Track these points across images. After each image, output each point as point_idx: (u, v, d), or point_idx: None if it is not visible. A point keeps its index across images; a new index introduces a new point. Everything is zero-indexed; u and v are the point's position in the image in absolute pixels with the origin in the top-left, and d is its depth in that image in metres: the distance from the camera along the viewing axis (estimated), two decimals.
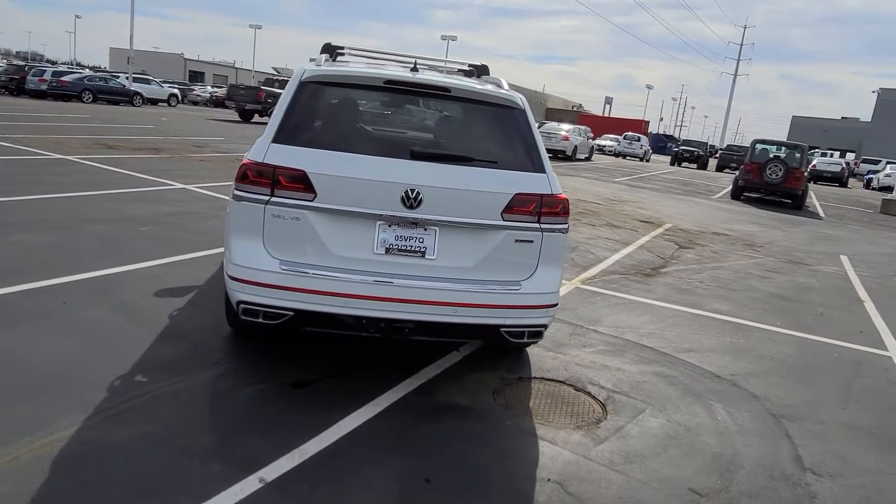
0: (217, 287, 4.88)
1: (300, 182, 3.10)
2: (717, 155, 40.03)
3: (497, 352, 4.21)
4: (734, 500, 2.82)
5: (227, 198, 8.34)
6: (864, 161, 44.78)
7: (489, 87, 3.63)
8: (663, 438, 3.33)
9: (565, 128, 29.83)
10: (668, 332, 5.14)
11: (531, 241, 3.33)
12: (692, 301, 6.17)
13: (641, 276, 6.98)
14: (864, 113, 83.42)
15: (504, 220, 3.26)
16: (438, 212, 3.17)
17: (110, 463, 2.62)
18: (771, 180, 17.40)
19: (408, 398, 3.46)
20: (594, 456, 3.08)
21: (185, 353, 3.69)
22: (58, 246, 5.46)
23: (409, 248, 3.21)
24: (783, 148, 18.38)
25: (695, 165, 37.24)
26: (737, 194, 18.43)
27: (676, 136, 69.33)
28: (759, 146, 18.58)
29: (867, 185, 37.76)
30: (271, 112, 5.30)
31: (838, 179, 34.20)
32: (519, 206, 3.26)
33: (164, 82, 41.96)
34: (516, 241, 3.30)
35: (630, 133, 41.94)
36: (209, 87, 51.21)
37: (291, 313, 3.15)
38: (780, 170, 17.26)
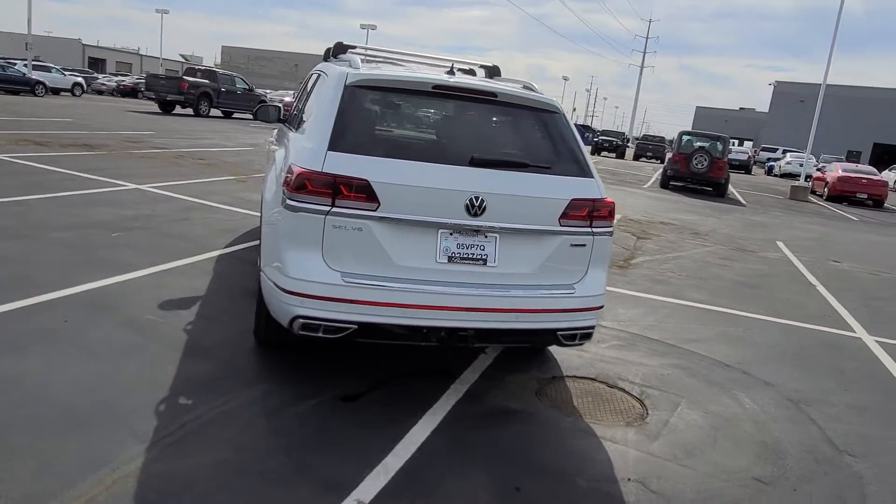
0: (222, 297, 4.66)
1: (363, 191, 3.01)
2: (633, 144, 41.75)
3: (523, 351, 4.26)
4: (796, 486, 3.01)
5: (189, 198, 8.02)
6: (764, 149, 48.07)
7: (525, 90, 3.64)
8: (709, 430, 3.49)
9: None
10: (665, 323, 5.36)
11: (584, 245, 3.38)
12: (672, 291, 6.45)
13: (618, 269, 7.23)
14: (758, 103, 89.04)
15: (561, 226, 3.29)
16: (500, 219, 3.16)
17: (193, 496, 2.46)
18: (697, 170, 18.38)
19: (461, 405, 3.44)
20: (656, 452, 3.19)
21: (218, 372, 3.51)
22: (27, 257, 5.01)
23: (470, 255, 3.18)
24: (707, 139, 19.42)
25: (614, 155, 38.71)
26: (665, 183, 19.35)
27: (591, 126, 71.73)
28: (685, 137, 19.54)
29: (768, 172, 40.56)
30: (260, 111, 5.18)
31: (745, 167, 36.53)
32: (574, 211, 3.31)
33: (66, 70, 39.10)
34: (571, 245, 3.35)
35: None
36: (117, 76, 48.15)
37: (355, 326, 3.06)
38: (706, 160, 18.26)
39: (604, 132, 45.44)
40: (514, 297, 3.20)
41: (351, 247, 3.06)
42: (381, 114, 3.35)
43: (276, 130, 5.69)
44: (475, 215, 3.12)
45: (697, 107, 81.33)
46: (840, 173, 22.01)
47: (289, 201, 3.06)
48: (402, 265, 3.11)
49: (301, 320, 3.06)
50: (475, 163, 3.19)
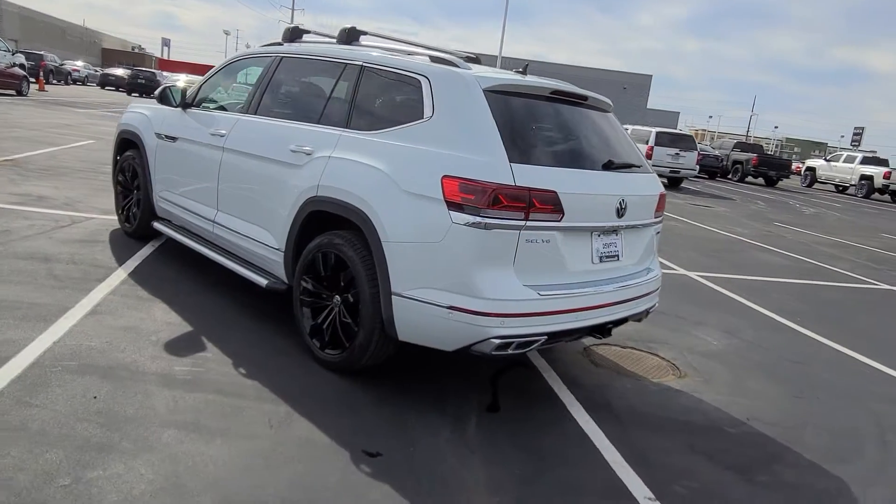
0: (221, 326, 3.85)
1: (552, 203, 2.99)
2: None
3: None
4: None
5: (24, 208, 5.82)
6: None
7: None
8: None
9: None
10: None
11: (658, 233, 3.90)
12: None
13: None
14: None
15: (655, 218, 3.75)
16: (632, 218, 3.46)
17: None
18: None
19: (560, 387, 3.69)
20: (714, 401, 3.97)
21: (359, 423, 3.08)
22: None
23: (610, 254, 3.42)
24: None
25: None
26: None
27: None
28: None
29: None
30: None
31: None
32: (661, 203, 3.79)
33: None
34: (655, 233, 3.84)
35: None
36: None
37: (545, 337, 3.07)
38: None
39: None
40: (637, 285, 3.57)
41: (538, 260, 3.04)
42: (523, 121, 3.25)
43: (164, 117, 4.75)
44: (621, 217, 3.37)
45: None
46: None
47: (481, 217, 2.86)
48: (572, 270, 3.20)
49: (497, 341, 2.94)
50: (612, 167, 3.41)
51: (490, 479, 2.70)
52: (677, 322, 5.23)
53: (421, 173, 3.08)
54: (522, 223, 2.93)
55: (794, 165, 33.55)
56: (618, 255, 3.48)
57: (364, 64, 3.67)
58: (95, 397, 2.86)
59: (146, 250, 5.17)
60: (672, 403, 3.71)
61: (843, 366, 4.80)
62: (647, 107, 65.81)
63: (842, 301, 7.09)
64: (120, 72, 39.31)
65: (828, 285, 7.76)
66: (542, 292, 3.02)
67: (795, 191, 27.94)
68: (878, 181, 26.90)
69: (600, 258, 3.36)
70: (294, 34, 4.41)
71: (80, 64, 43.72)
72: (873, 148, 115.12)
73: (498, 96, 3.17)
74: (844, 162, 29.57)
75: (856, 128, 63.75)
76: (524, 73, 3.66)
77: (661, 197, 3.79)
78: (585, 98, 3.58)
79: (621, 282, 3.48)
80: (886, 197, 27.53)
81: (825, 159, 32.56)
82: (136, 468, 2.41)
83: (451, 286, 2.95)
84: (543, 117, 3.36)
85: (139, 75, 36.18)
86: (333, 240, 3.41)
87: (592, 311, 3.27)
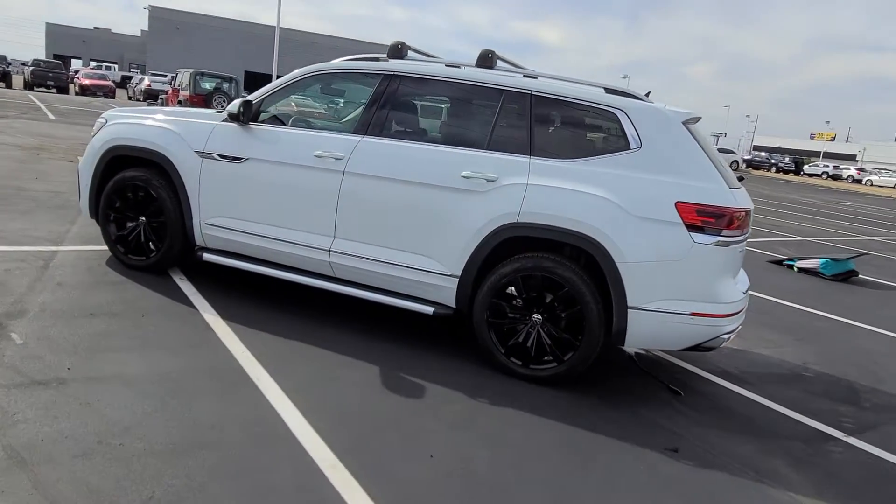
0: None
1: (748, 220, 3.65)
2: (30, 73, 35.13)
3: None
4: None
5: None
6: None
7: None
8: None
9: None
10: None
11: None
12: None
13: None
14: (119, 25, 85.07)
15: None
16: None
17: None
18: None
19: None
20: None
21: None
22: None
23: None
24: (221, 80, 19.26)
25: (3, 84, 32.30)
26: None
27: None
28: (199, 78, 18.82)
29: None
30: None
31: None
32: None
33: None
34: None
35: None
36: None
37: (739, 327, 3.75)
38: (226, 101, 18.37)
39: None
40: None
41: (737, 267, 3.69)
42: (707, 147, 3.73)
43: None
44: None
45: (48, 23, 71.91)
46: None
47: (721, 237, 3.41)
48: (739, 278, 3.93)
49: (725, 336, 3.56)
50: (741, 182, 4.16)
51: None
52: None
53: (651, 200, 3.47)
54: (743, 238, 3.56)
55: None
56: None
57: (533, 92, 3.82)
58: None
59: (183, 284, 4.51)
60: None
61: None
62: None
63: None
64: None
65: None
66: (742, 292, 3.70)
67: None
68: None
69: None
70: (399, 52, 4.25)
71: None
72: None
73: (688, 127, 3.69)
74: None
75: None
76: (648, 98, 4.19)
77: None
78: (699, 118, 4.24)
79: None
80: None
81: None
82: None
83: (693, 296, 3.46)
84: (703, 142, 3.94)
85: None
86: (541, 263, 3.61)
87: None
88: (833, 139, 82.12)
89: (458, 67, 4.05)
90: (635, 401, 3.72)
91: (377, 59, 4.28)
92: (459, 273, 3.77)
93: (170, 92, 20.16)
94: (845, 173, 52.05)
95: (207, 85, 18.47)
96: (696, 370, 4.34)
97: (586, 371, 3.74)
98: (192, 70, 18.24)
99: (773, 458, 3.26)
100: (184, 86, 18.37)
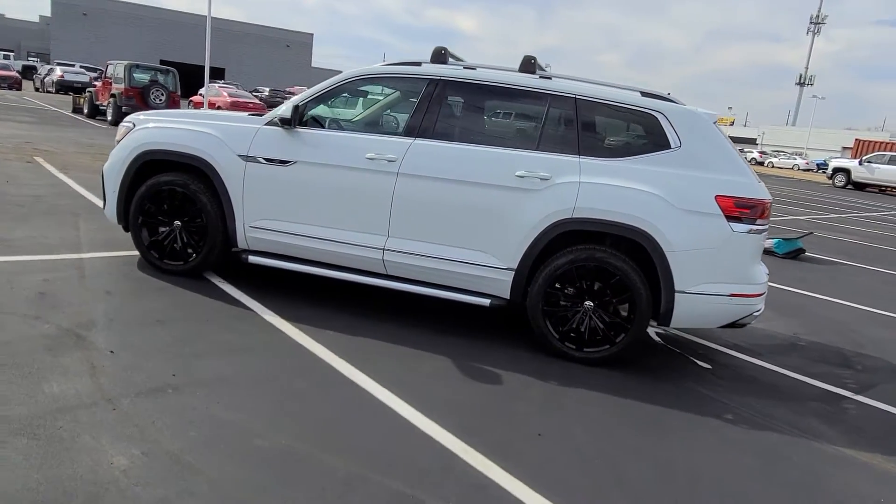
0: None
1: (770, 209, 4.11)
2: None
3: None
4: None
5: None
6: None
7: None
8: None
9: None
10: None
11: None
12: None
13: None
14: (9, 9, 78.99)
15: None
16: None
17: None
18: (156, 105, 17.64)
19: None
20: None
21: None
22: None
23: None
24: (157, 72, 18.42)
25: None
26: (119, 120, 17.65)
27: None
28: (134, 70, 17.94)
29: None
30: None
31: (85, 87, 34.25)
32: None
33: None
34: None
35: None
36: None
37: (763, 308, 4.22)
38: (164, 94, 17.70)
39: None
40: None
41: (761, 252, 4.15)
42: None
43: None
44: None
45: None
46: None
47: (755, 226, 3.86)
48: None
49: (757, 313, 4.03)
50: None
51: None
52: None
53: (693, 194, 3.87)
54: (767, 227, 4.02)
55: None
56: None
57: (578, 96, 4.13)
58: None
59: (226, 287, 4.56)
60: None
61: None
62: (312, 65, 66.94)
63: None
64: None
65: None
66: (766, 274, 4.17)
67: None
68: None
69: None
70: (441, 57, 4.43)
71: None
72: None
73: (717, 126, 4.10)
74: None
75: None
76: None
77: None
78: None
79: None
80: None
81: None
82: None
83: (732, 279, 3.89)
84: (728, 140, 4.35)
85: None
86: (594, 254, 3.95)
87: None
88: (732, 124, 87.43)
89: (503, 72, 4.31)
90: (675, 375, 4.13)
91: (418, 64, 4.45)
92: (515, 266, 4.05)
93: (99, 85, 19.14)
94: (749, 156, 55.63)
95: (143, 77, 17.65)
96: (712, 345, 4.81)
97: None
98: (126, 62, 17.37)
99: (805, 417, 3.74)
100: (117, 78, 17.50)
